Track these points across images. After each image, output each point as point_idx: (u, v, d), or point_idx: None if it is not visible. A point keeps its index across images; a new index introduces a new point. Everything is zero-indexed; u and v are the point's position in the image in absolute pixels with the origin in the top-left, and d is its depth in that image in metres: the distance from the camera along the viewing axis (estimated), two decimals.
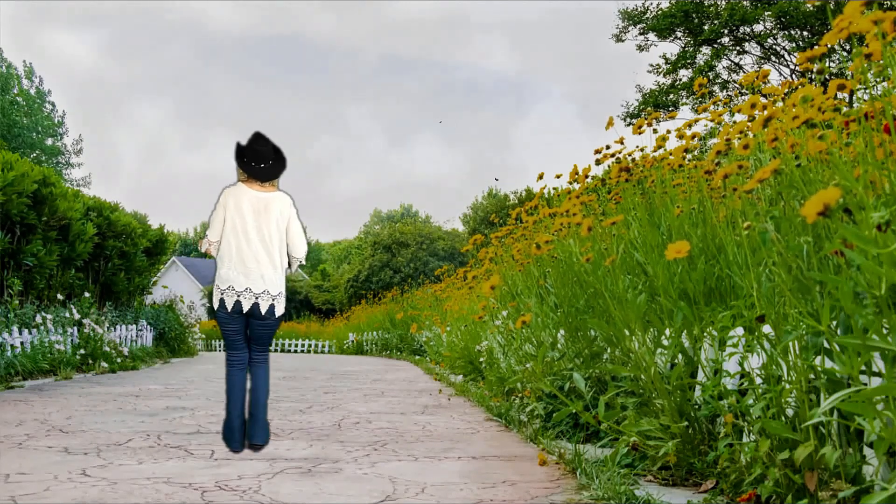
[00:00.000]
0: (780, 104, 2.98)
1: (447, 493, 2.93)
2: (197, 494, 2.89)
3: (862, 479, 2.20)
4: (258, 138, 3.83)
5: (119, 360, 10.71)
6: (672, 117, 21.74)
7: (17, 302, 9.21)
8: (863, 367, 2.07)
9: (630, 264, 4.00)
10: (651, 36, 24.59)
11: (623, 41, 25.08)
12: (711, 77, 24.15)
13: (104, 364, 10.14)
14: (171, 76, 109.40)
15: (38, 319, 9.29)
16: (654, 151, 4.29)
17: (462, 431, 4.69)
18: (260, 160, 3.80)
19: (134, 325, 12.96)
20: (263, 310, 3.81)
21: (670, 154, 4.10)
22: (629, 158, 4.49)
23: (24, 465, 3.46)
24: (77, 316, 10.29)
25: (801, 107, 2.40)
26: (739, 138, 2.90)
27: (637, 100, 25.00)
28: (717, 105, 4.59)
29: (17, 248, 9.67)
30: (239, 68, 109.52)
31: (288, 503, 2.78)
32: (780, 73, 24.01)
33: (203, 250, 3.95)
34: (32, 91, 39.08)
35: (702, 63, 24.21)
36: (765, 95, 3.62)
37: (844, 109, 2.55)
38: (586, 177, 4.70)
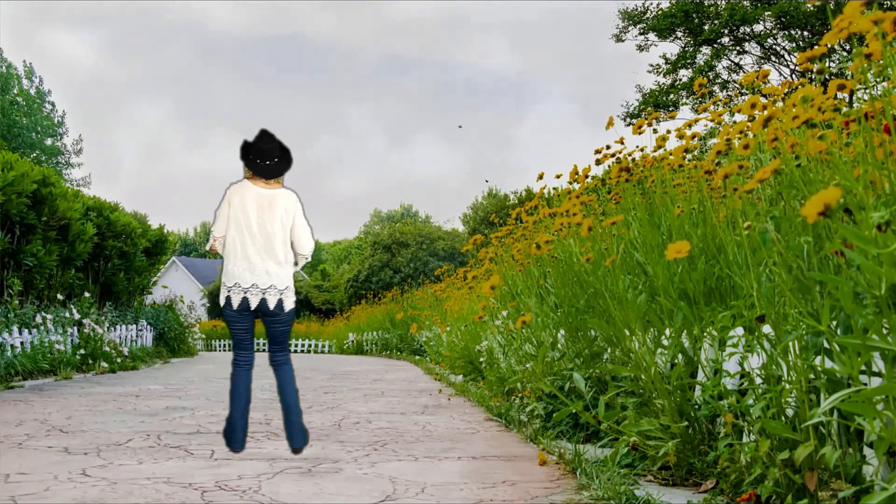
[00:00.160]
0: (780, 104, 2.98)
1: (447, 493, 2.93)
2: (197, 494, 2.89)
3: (862, 479, 2.20)
4: (264, 136, 3.84)
5: (119, 360, 10.72)
6: (672, 117, 21.74)
7: (17, 302, 9.21)
8: (863, 367, 2.07)
9: (630, 264, 4.00)
10: (651, 36, 24.59)
11: (623, 41, 25.09)
12: (711, 77, 24.15)
13: (104, 364, 10.14)
14: (171, 76, 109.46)
15: (38, 319, 9.29)
16: (654, 151, 4.29)
17: (462, 431, 4.69)
18: (265, 157, 3.80)
19: (134, 325, 12.96)
20: (272, 305, 3.79)
21: (670, 154, 4.10)
22: (629, 158, 4.49)
23: (24, 465, 3.46)
24: (77, 316, 10.29)
25: (801, 107, 2.40)
26: (739, 138, 2.90)
27: (637, 100, 25.01)
28: (717, 105, 4.59)
29: (17, 248, 9.68)
30: (239, 68, 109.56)
31: (288, 503, 2.78)
32: (780, 73, 24.02)
33: (209, 248, 3.94)
34: (32, 91, 39.07)
35: (702, 63, 24.21)
36: (765, 95, 3.62)
37: (844, 109, 2.55)
38: (586, 177, 4.70)
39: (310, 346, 25.27)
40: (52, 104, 39.90)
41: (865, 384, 2.17)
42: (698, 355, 3.28)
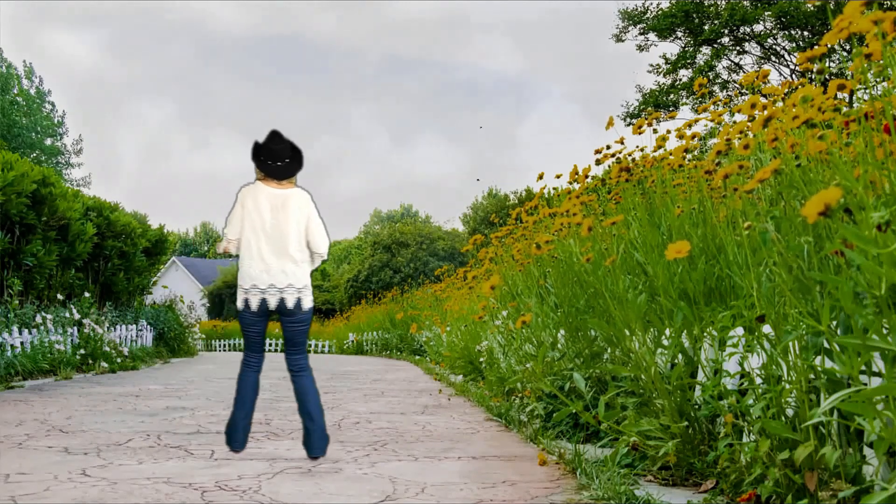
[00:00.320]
0: (780, 104, 2.98)
1: (447, 493, 2.93)
2: (197, 494, 2.89)
3: (862, 479, 2.20)
4: (274, 136, 3.83)
5: (119, 360, 10.72)
6: (672, 117, 21.74)
7: (17, 302, 9.22)
8: (863, 367, 2.07)
9: (630, 264, 4.00)
10: (651, 36, 24.59)
11: (623, 41, 25.08)
12: (711, 77, 24.15)
13: (104, 364, 10.14)
14: (172, 76, 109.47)
15: (38, 319, 9.29)
16: (654, 151, 4.29)
17: (462, 431, 4.69)
18: (276, 158, 3.79)
19: (134, 325, 12.96)
20: (290, 304, 3.76)
21: (670, 154, 4.10)
22: (629, 158, 4.49)
23: (24, 465, 3.46)
24: (77, 316, 10.29)
25: (801, 107, 2.40)
26: (739, 138, 2.90)
27: (637, 100, 25.00)
28: (717, 105, 4.59)
29: (17, 248, 9.68)
30: (239, 68, 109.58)
31: (288, 503, 2.78)
32: (780, 73, 24.02)
33: (221, 250, 3.91)
34: (32, 91, 39.06)
35: (702, 63, 24.21)
36: (765, 95, 3.62)
37: (844, 109, 2.55)
38: (586, 177, 4.70)
39: (310, 346, 25.22)
40: (52, 104, 39.89)
41: (865, 384, 2.17)
42: (698, 355, 3.28)
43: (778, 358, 2.47)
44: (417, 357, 14.56)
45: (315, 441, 3.73)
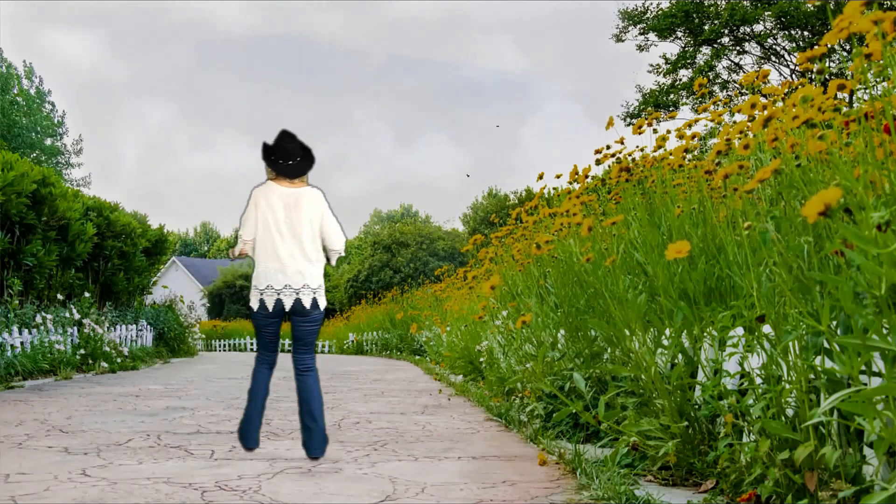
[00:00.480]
0: (780, 104, 2.98)
1: (447, 493, 2.93)
2: (197, 494, 2.89)
3: (862, 479, 2.20)
4: (285, 135, 3.82)
5: (119, 360, 10.72)
6: (672, 117, 21.73)
7: (17, 302, 9.22)
8: (863, 367, 2.07)
9: (630, 264, 4.00)
10: (651, 36, 24.59)
11: (623, 41, 25.08)
12: (711, 77, 24.15)
13: (104, 364, 10.14)
14: (172, 76, 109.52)
15: (38, 319, 9.29)
16: (655, 151, 4.29)
17: (462, 431, 4.69)
18: (287, 157, 3.78)
19: (134, 325, 12.96)
20: (307, 304, 3.75)
21: (670, 154, 4.10)
22: (629, 158, 4.49)
23: (24, 465, 3.46)
24: (77, 316, 10.29)
25: (801, 107, 2.40)
26: (739, 138, 2.90)
27: (637, 100, 25.00)
28: (717, 105, 4.59)
29: (17, 248, 9.68)
30: (240, 68, 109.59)
31: (288, 503, 2.78)
32: (780, 73, 24.02)
33: (237, 253, 3.88)
34: (32, 91, 39.05)
35: (702, 63, 24.21)
36: (765, 95, 3.62)
37: (844, 109, 2.55)
38: (586, 177, 4.70)
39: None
40: (52, 104, 39.89)
41: (865, 384, 2.17)
42: (698, 355, 3.28)
43: (778, 358, 2.47)
44: (417, 357, 14.55)
45: (316, 442, 3.72)
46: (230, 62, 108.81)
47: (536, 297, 5.46)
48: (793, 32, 23.28)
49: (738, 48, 24.35)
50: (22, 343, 8.65)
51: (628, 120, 24.10)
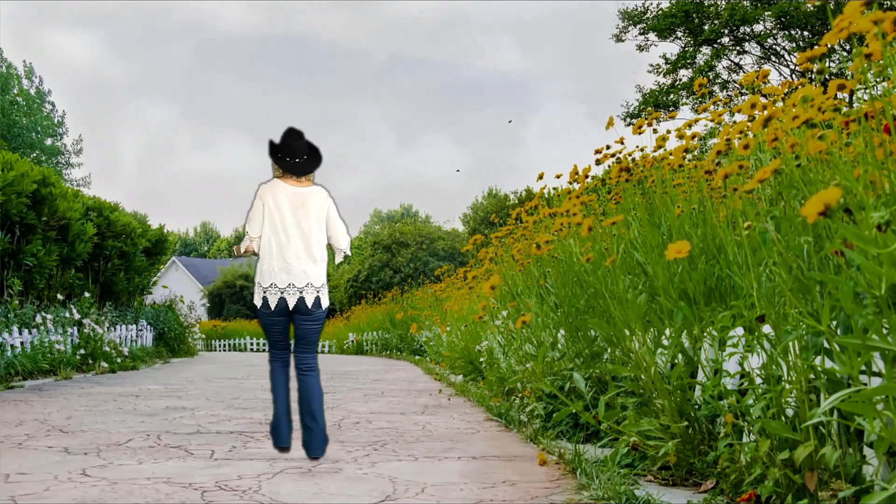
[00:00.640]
0: (780, 104, 2.98)
1: (447, 493, 2.93)
2: (197, 494, 2.89)
3: (862, 479, 2.20)
4: (292, 133, 3.80)
5: (119, 360, 10.72)
6: (672, 117, 21.73)
7: (17, 302, 9.21)
8: (863, 367, 2.07)
9: (630, 264, 4.00)
10: (651, 36, 24.59)
11: (623, 41, 25.08)
12: (711, 77, 24.14)
13: (104, 364, 10.14)
14: (172, 76, 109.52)
15: (38, 319, 9.29)
16: (654, 151, 4.29)
17: (462, 431, 4.69)
18: (294, 155, 3.77)
19: (134, 325, 12.96)
20: (310, 303, 3.75)
21: (670, 154, 4.10)
22: (629, 158, 4.49)
23: (24, 465, 3.46)
24: (77, 316, 10.29)
25: (801, 107, 2.40)
26: (739, 138, 2.90)
27: (637, 100, 25.00)
28: (717, 105, 4.59)
29: (17, 248, 9.68)
30: (241, 68, 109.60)
31: (288, 503, 2.78)
32: (780, 73, 24.02)
33: (243, 250, 3.86)
34: (32, 91, 39.05)
35: (702, 63, 24.21)
36: (765, 95, 3.62)
37: (844, 109, 2.55)
38: (586, 177, 4.70)
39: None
40: (52, 104, 39.89)
41: (865, 384, 2.17)
42: (698, 355, 3.28)
43: (778, 358, 2.47)
44: (417, 357, 14.55)
45: (316, 442, 3.72)
46: (230, 62, 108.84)
47: (536, 297, 5.46)
48: (793, 32, 23.28)
49: (738, 48, 24.36)
50: (22, 343, 8.65)
51: (628, 120, 24.10)
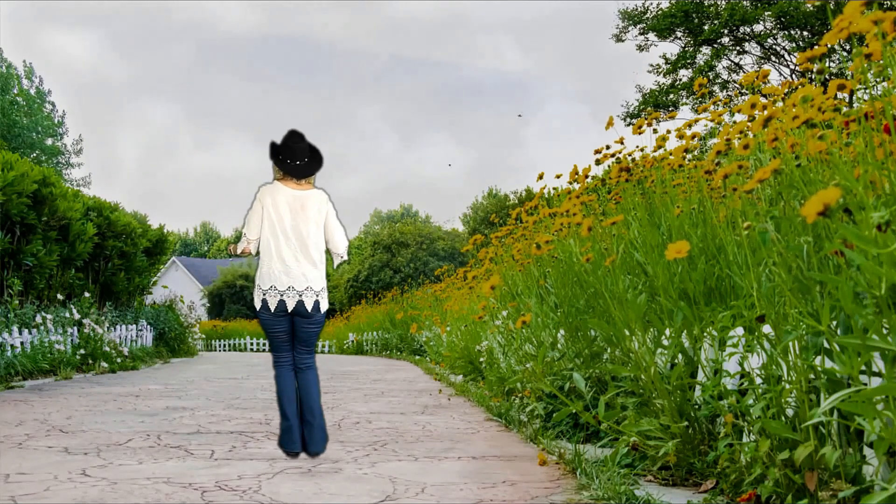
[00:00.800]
0: (780, 104, 2.98)
1: (447, 493, 2.93)
2: (197, 494, 2.89)
3: (862, 479, 2.20)
4: (293, 135, 3.80)
5: (119, 360, 10.72)
6: (672, 117, 21.73)
7: (17, 302, 9.21)
8: (863, 367, 2.07)
9: (630, 264, 4.00)
10: (651, 36, 24.58)
11: (623, 41, 25.08)
12: (711, 77, 24.14)
13: (104, 364, 10.14)
14: (172, 76, 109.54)
15: (38, 319, 9.29)
16: (654, 151, 4.29)
17: (462, 431, 4.68)
18: (295, 157, 3.76)
19: (134, 325, 12.96)
20: (309, 307, 3.76)
21: (670, 154, 4.10)
22: (629, 158, 4.49)
23: (24, 465, 3.46)
24: (77, 316, 10.29)
25: (801, 107, 2.40)
26: (739, 138, 2.90)
27: (637, 100, 25.00)
28: (717, 105, 4.59)
29: (17, 248, 9.67)
30: (240, 68, 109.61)
31: (288, 503, 2.78)
32: (780, 73, 24.01)
33: (240, 251, 3.87)
34: (32, 91, 39.05)
35: (702, 63, 24.20)
36: (765, 95, 3.62)
37: (844, 109, 2.55)
38: (586, 177, 4.70)
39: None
40: (53, 104, 39.89)
41: (865, 384, 2.17)
42: (698, 355, 3.28)
43: (778, 358, 2.47)
44: (417, 357, 14.55)
45: (316, 437, 3.73)
46: (231, 62, 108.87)
47: (536, 297, 5.46)
48: (793, 32, 23.28)
49: (738, 48, 24.35)
50: (22, 343, 8.65)
51: (628, 120, 24.09)
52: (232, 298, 38.25)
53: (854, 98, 4.10)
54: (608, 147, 4.43)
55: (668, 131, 4.21)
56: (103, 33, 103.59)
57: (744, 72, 23.66)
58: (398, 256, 31.32)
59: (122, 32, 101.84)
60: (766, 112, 2.49)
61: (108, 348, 10.63)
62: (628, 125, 22.87)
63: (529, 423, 4.52)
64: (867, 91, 2.20)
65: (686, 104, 24.36)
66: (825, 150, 2.32)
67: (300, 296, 3.74)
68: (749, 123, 2.87)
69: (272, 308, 3.75)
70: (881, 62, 2.09)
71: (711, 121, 3.86)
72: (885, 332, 1.86)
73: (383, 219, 64.33)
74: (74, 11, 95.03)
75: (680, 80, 24.64)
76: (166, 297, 15.86)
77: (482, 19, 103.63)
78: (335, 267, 3.98)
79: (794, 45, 23.34)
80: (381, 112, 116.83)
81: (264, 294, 3.76)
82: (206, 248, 71.01)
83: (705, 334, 3.23)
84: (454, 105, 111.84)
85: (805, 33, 22.90)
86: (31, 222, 9.78)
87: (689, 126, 4.11)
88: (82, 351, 9.98)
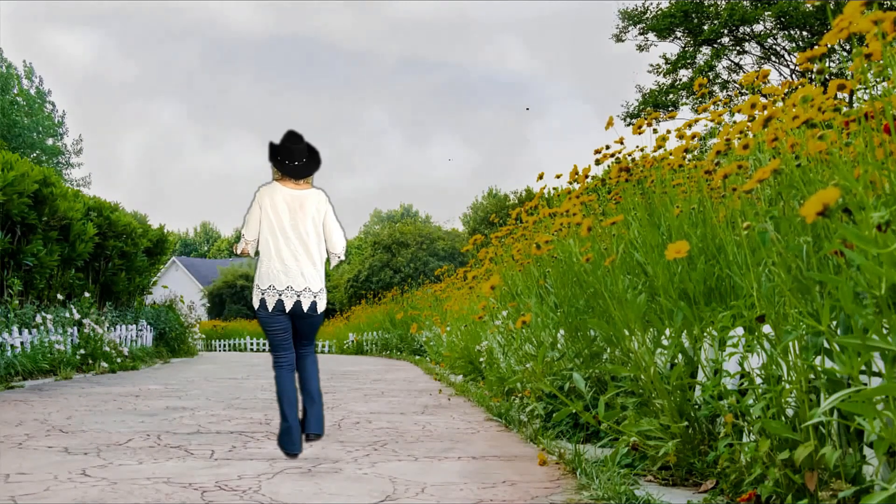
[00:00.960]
0: (780, 104, 2.98)
1: (447, 493, 2.93)
2: (197, 494, 2.89)
3: (862, 479, 2.20)
4: (291, 136, 3.82)
5: (119, 360, 10.71)
6: (672, 117, 21.72)
7: (17, 302, 9.21)
8: (863, 367, 2.07)
9: (630, 264, 4.00)
10: (651, 36, 24.58)
11: (623, 41, 25.08)
12: (711, 77, 24.14)
13: (104, 364, 10.14)
14: (173, 76, 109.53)
15: (38, 319, 9.29)
16: (654, 151, 4.29)
17: (462, 431, 4.68)
18: (293, 158, 3.79)
19: (134, 325, 12.96)
20: (306, 307, 3.78)
21: (670, 154, 4.10)
22: (629, 158, 4.49)
23: (24, 465, 3.46)
24: (77, 316, 10.29)
25: (801, 107, 2.40)
26: (739, 138, 2.90)
27: (637, 100, 25.00)
28: (717, 105, 4.59)
29: (18, 248, 9.67)
30: (243, 68, 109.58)
31: (288, 503, 2.78)
32: (780, 73, 24.01)
33: (240, 251, 3.90)
34: (32, 91, 39.05)
35: (702, 63, 24.20)
36: (765, 95, 3.62)
37: (844, 109, 2.55)
38: (586, 177, 4.70)
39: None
40: (53, 104, 39.90)
41: (865, 384, 2.17)
42: (698, 355, 3.28)
43: (778, 358, 2.47)
44: (417, 357, 14.55)
45: (314, 419, 3.81)
46: (232, 62, 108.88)
47: (536, 297, 5.46)
48: (792, 32, 23.27)
49: (738, 48, 24.35)
50: (22, 343, 8.65)
51: (628, 120, 24.09)
52: (232, 298, 38.25)
53: (854, 98, 4.10)
54: (608, 147, 4.43)
55: (668, 131, 4.21)
56: (104, 33, 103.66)
57: (744, 72, 23.66)
58: (398, 256, 31.31)
59: (122, 32, 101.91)
60: (766, 112, 2.49)
61: (108, 348, 10.63)
62: (628, 125, 22.88)
63: (529, 423, 4.52)
64: (867, 91, 2.20)
65: (686, 104, 24.38)
66: (825, 150, 2.32)
67: (298, 296, 3.76)
68: (749, 123, 2.87)
69: (270, 307, 3.77)
70: (881, 62, 2.09)
71: (711, 121, 3.86)
72: (885, 332, 1.86)
73: (383, 219, 64.35)
74: (75, 11, 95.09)
75: (680, 80, 24.65)
76: (166, 297, 15.87)
77: (485, 19, 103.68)
78: (332, 267, 4.00)
79: (794, 45, 23.34)
80: (385, 112, 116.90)
81: (263, 293, 3.78)
82: (206, 248, 71.03)
83: (705, 334, 3.23)
84: (459, 105, 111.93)
85: (805, 33, 22.90)
86: (31, 222, 9.78)
87: (689, 126, 4.11)
88: (82, 351, 9.98)
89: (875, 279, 1.82)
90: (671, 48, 33.43)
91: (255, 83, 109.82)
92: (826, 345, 2.23)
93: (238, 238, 3.99)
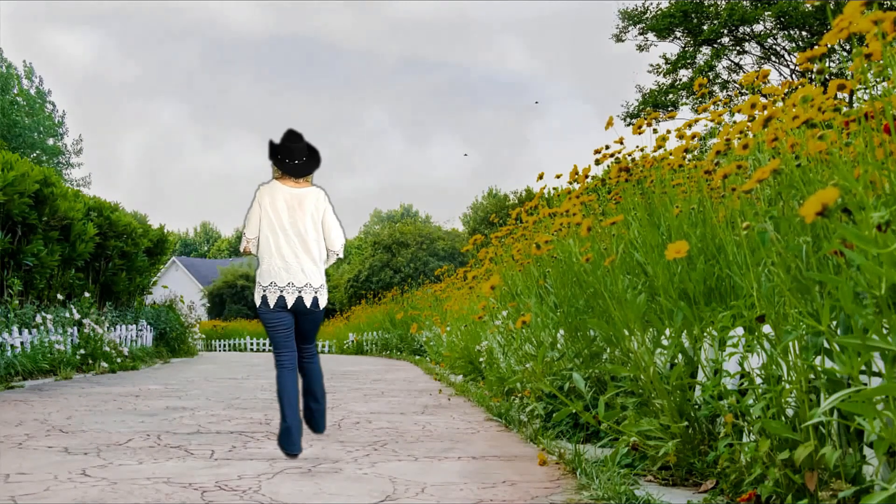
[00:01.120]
0: (780, 104, 2.98)
1: (447, 493, 2.93)
2: (197, 494, 2.89)
3: (862, 479, 2.20)
4: (291, 135, 3.87)
5: (119, 360, 10.72)
6: (672, 117, 21.72)
7: (17, 302, 9.21)
8: (863, 367, 2.07)
9: (630, 264, 4.00)
10: (651, 36, 24.59)
11: (623, 41, 25.08)
12: (711, 77, 24.14)
13: (104, 364, 10.14)
14: (173, 76, 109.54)
15: (38, 319, 9.29)
16: (654, 151, 4.29)
17: (462, 431, 4.68)
18: (293, 157, 3.83)
19: (134, 325, 12.96)
20: (308, 303, 3.84)
21: (670, 154, 4.10)
22: (629, 158, 4.49)
23: (24, 465, 3.46)
24: (77, 316, 10.29)
25: (801, 107, 2.40)
26: (739, 138, 2.90)
27: (637, 100, 25.00)
28: (717, 105, 4.59)
29: (18, 248, 9.67)
30: (243, 68, 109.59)
31: (288, 503, 2.78)
32: (780, 73, 24.01)
33: (242, 249, 3.97)
34: (32, 91, 39.04)
35: (702, 63, 24.20)
36: (765, 95, 3.62)
37: (844, 109, 2.55)
38: (586, 177, 4.70)
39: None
40: (53, 104, 39.90)
41: (865, 384, 2.17)
42: (698, 355, 3.28)
43: (778, 358, 2.47)
44: (417, 357, 14.55)
45: (319, 419, 4.06)
46: (232, 62, 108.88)
47: (536, 297, 5.46)
48: (793, 32, 23.27)
49: (737, 48, 24.35)
50: (22, 343, 8.65)
51: (628, 120, 24.10)
52: (232, 298, 38.25)
53: (854, 98, 4.10)
54: (608, 147, 4.43)
55: (668, 131, 4.21)
56: (104, 33, 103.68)
57: (744, 72, 23.66)
58: (398, 256, 31.31)
59: (122, 32, 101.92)
60: (766, 112, 2.49)
61: (108, 348, 10.63)
62: (628, 125, 22.88)
63: (529, 423, 4.52)
64: (867, 91, 2.20)
65: (686, 104, 24.38)
66: (825, 150, 2.32)
67: (299, 292, 3.80)
68: (749, 123, 2.87)
69: (271, 304, 3.81)
70: (881, 62, 2.09)
71: (711, 121, 3.86)
72: (885, 332, 1.86)
73: (383, 219, 64.35)
74: (75, 11, 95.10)
75: (680, 80, 24.65)
76: (166, 297, 15.87)
77: (484, 19, 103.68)
78: (329, 263, 4.05)
79: (793, 45, 23.34)
80: (385, 112, 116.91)
81: (264, 290, 3.82)
82: (206, 248, 71.03)
83: (705, 334, 3.23)
84: (459, 105, 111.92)
85: (805, 33, 22.90)
86: (32, 222, 9.78)
87: (689, 126, 4.11)
88: (82, 351, 9.98)
89: (875, 279, 1.82)
90: (671, 48, 33.44)
91: (255, 83, 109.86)
92: (826, 345, 2.23)
93: (239, 238, 4.05)
